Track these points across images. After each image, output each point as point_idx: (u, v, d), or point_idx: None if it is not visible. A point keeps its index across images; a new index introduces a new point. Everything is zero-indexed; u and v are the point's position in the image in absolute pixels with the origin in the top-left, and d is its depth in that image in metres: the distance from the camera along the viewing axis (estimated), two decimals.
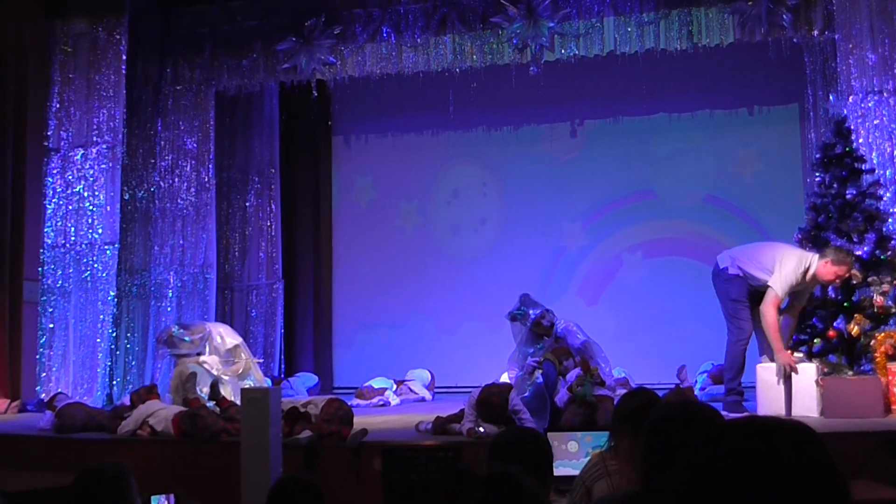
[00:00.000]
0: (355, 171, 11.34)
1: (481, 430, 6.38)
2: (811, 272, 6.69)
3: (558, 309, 7.98)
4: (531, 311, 7.61)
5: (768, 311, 6.66)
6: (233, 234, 10.78)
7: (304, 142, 11.34)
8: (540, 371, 7.02)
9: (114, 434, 7.12)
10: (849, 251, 6.88)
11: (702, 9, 8.82)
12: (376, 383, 9.73)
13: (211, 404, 7.31)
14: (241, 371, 8.46)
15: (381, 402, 9.33)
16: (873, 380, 6.49)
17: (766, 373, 6.61)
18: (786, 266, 6.69)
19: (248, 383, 8.29)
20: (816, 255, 6.75)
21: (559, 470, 4.69)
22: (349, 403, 7.40)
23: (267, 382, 9.17)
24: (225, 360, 8.42)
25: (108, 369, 9.39)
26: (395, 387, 9.75)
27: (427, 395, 9.84)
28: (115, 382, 9.57)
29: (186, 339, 8.34)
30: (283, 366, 10.64)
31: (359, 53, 9.62)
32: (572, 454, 5.14)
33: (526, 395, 6.90)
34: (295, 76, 9.88)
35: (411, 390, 9.77)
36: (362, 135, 11.42)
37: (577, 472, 3.57)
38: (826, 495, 1.12)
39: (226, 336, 8.57)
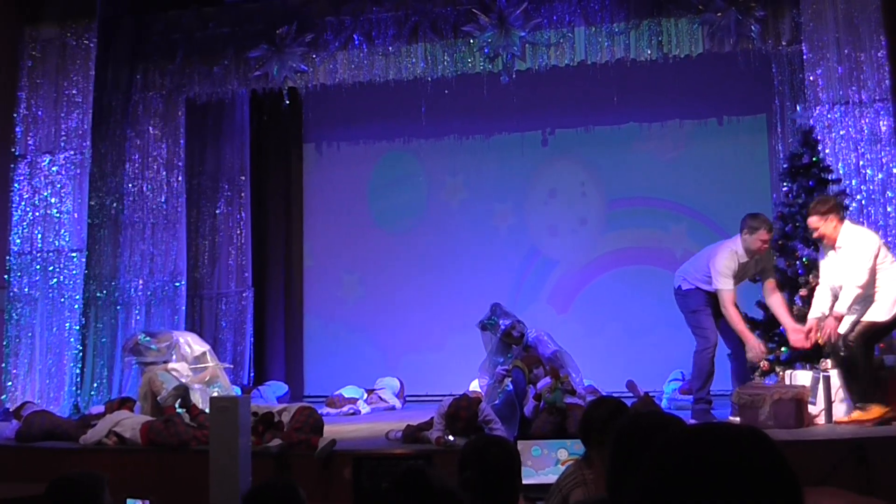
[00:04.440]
0: (328, 178, 11.31)
1: (451, 438, 6.38)
2: (742, 251, 6.95)
3: (529, 317, 8.00)
4: (501, 322, 7.62)
5: (728, 310, 6.93)
6: (202, 242, 10.70)
7: (275, 149, 11.29)
8: (509, 379, 7.04)
9: (78, 443, 7.05)
10: (757, 214, 7.08)
11: (671, 19, 8.88)
12: (347, 392, 9.70)
13: (181, 411, 7.26)
14: (208, 378, 8.40)
15: (352, 411, 9.31)
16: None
17: (801, 378, 6.75)
18: (717, 264, 6.97)
19: (215, 391, 8.24)
20: (738, 237, 7.02)
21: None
22: (319, 412, 7.38)
23: (235, 390, 9.11)
24: (192, 367, 8.36)
25: (75, 378, 9.29)
26: (365, 395, 9.74)
27: (397, 403, 9.83)
28: (82, 391, 9.46)
29: (153, 346, 8.27)
30: (252, 374, 10.57)
31: (330, 61, 9.61)
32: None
33: (496, 402, 6.92)
34: (266, 83, 9.85)
35: (381, 399, 9.76)
36: (334, 142, 11.40)
37: None
38: (781, 499, 1.14)
39: (193, 343, 8.51)
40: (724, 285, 6.93)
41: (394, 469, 5.40)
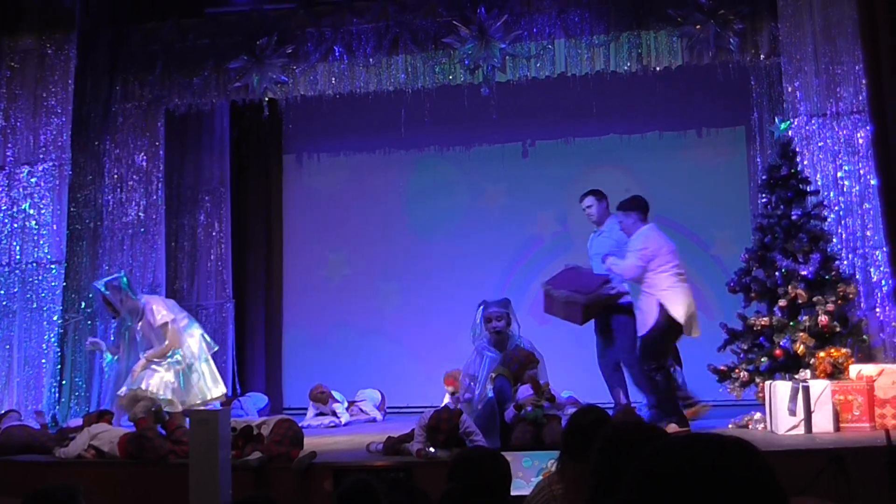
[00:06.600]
0: (308, 189, 11.29)
1: (431, 450, 6.37)
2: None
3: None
4: (491, 307, 7.57)
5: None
6: (182, 254, 10.64)
7: (255, 160, 11.25)
8: (491, 386, 7.02)
9: (55, 456, 6.99)
10: None
11: (651, 32, 8.94)
12: (333, 393, 9.66)
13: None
14: (167, 352, 8.04)
15: (332, 424, 9.28)
16: None
17: (781, 389, 6.80)
18: None
19: (178, 360, 7.99)
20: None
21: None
22: (299, 422, 7.34)
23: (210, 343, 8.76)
24: (156, 336, 8.06)
25: (53, 390, 9.20)
26: (346, 405, 9.71)
27: (378, 415, 9.80)
28: (60, 404, 9.37)
29: (122, 295, 8.03)
30: (238, 387, 10.48)
31: (311, 73, 9.60)
32: (545, 473, 5.18)
33: (478, 407, 6.91)
34: (246, 95, 9.83)
35: (362, 411, 9.73)
36: (314, 153, 11.39)
37: None
38: None
39: (158, 310, 8.12)
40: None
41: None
